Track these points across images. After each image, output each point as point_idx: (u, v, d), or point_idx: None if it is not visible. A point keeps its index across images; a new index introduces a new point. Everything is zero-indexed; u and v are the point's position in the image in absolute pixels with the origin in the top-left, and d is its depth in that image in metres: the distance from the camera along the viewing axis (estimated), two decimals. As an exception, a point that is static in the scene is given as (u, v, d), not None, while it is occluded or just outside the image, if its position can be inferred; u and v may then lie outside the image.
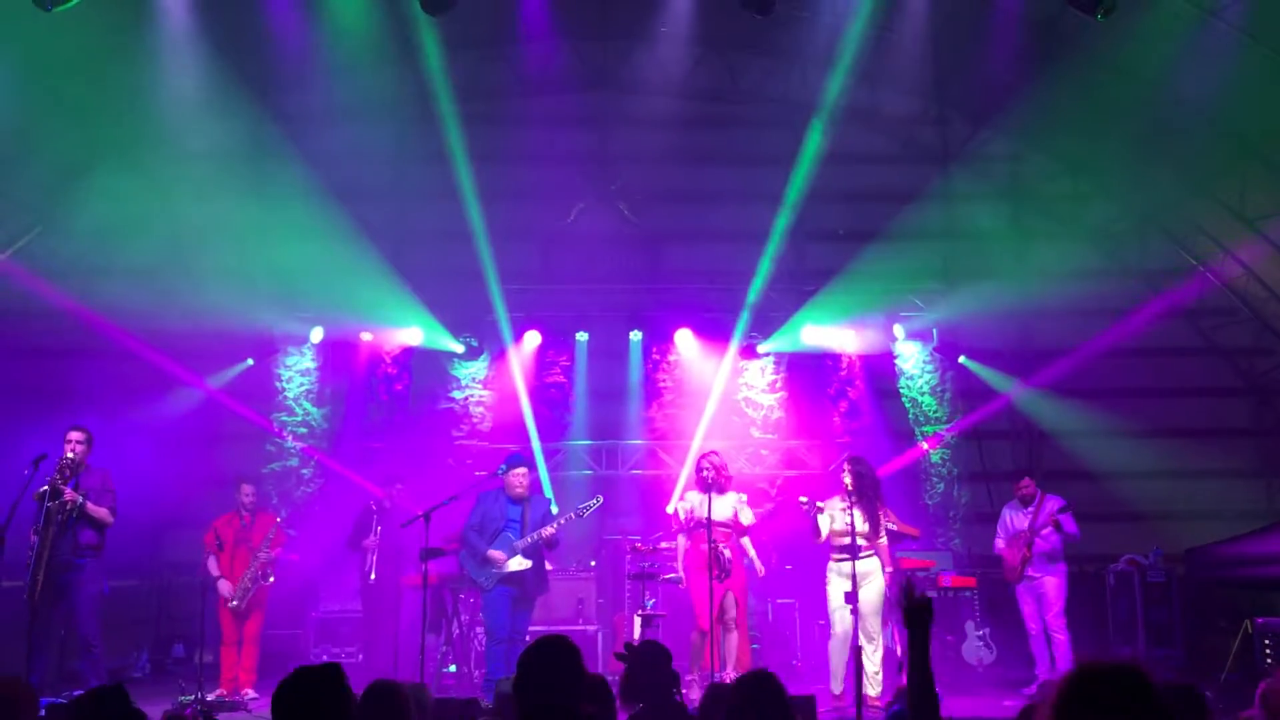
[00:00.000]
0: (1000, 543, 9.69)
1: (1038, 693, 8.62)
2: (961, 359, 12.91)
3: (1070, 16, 9.94)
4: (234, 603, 8.99)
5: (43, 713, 6.93)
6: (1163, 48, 10.12)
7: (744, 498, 8.97)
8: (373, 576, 9.86)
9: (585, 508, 8.70)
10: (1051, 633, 9.21)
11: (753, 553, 9.05)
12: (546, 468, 12.22)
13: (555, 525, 8.44)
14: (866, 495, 8.20)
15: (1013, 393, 12.65)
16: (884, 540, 8.30)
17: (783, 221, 12.51)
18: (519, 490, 8.58)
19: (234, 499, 9.53)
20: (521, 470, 8.65)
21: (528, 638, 8.29)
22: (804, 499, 8.30)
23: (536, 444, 12.22)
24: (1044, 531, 9.30)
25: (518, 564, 8.37)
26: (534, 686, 3.37)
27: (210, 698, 8.50)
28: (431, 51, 11.32)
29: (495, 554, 8.37)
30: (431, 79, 11.60)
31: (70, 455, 8.09)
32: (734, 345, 12.70)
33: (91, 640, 8.10)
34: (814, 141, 12.41)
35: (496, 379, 12.92)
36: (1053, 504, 9.39)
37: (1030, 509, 9.48)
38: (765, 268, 12.50)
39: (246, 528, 9.29)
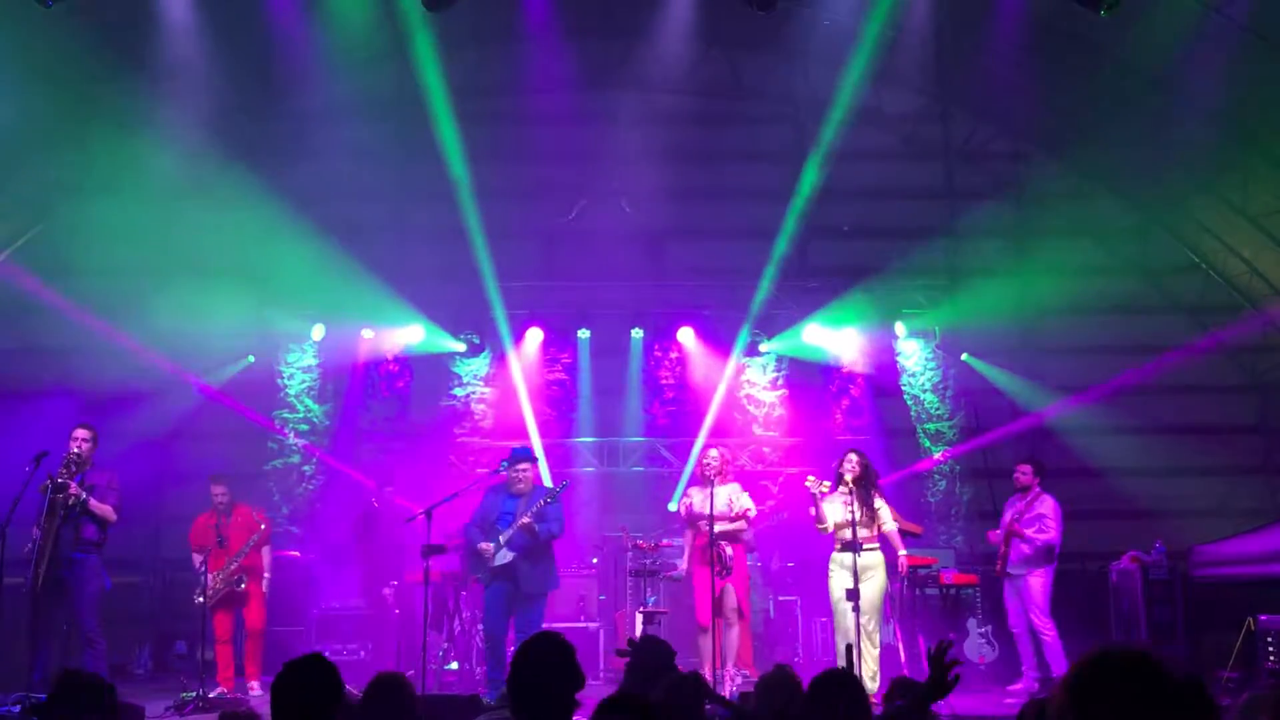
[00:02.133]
0: (992, 535, 9.54)
1: (1040, 690, 8.60)
2: (964, 356, 12.88)
3: (1074, 12, 9.92)
4: (199, 599, 8.90)
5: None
6: (1166, 44, 10.10)
7: (737, 487, 8.96)
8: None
9: (554, 492, 8.49)
10: (1039, 633, 8.98)
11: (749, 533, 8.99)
12: (548, 464, 12.21)
13: (530, 514, 8.20)
14: (865, 486, 8.17)
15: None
16: (890, 527, 8.26)
17: (790, 224, 12.39)
18: (520, 485, 8.47)
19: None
20: (524, 465, 8.53)
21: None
22: (811, 479, 8.26)
23: (537, 441, 12.20)
24: (1026, 533, 9.13)
25: (503, 556, 8.22)
26: (528, 684, 3.36)
27: (212, 694, 8.49)
28: (424, 51, 11.20)
29: (483, 546, 8.30)
30: (427, 77, 11.51)
31: (76, 451, 8.11)
32: (737, 343, 12.69)
33: (93, 635, 8.11)
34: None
35: (498, 376, 12.91)
36: (1041, 505, 9.23)
37: (1024, 501, 9.30)
38: (772, 268, 12.42)
39: (223, 527, 9.14)
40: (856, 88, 11.90)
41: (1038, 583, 9.05)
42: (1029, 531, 9.08)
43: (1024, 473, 9.41)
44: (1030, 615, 9.04)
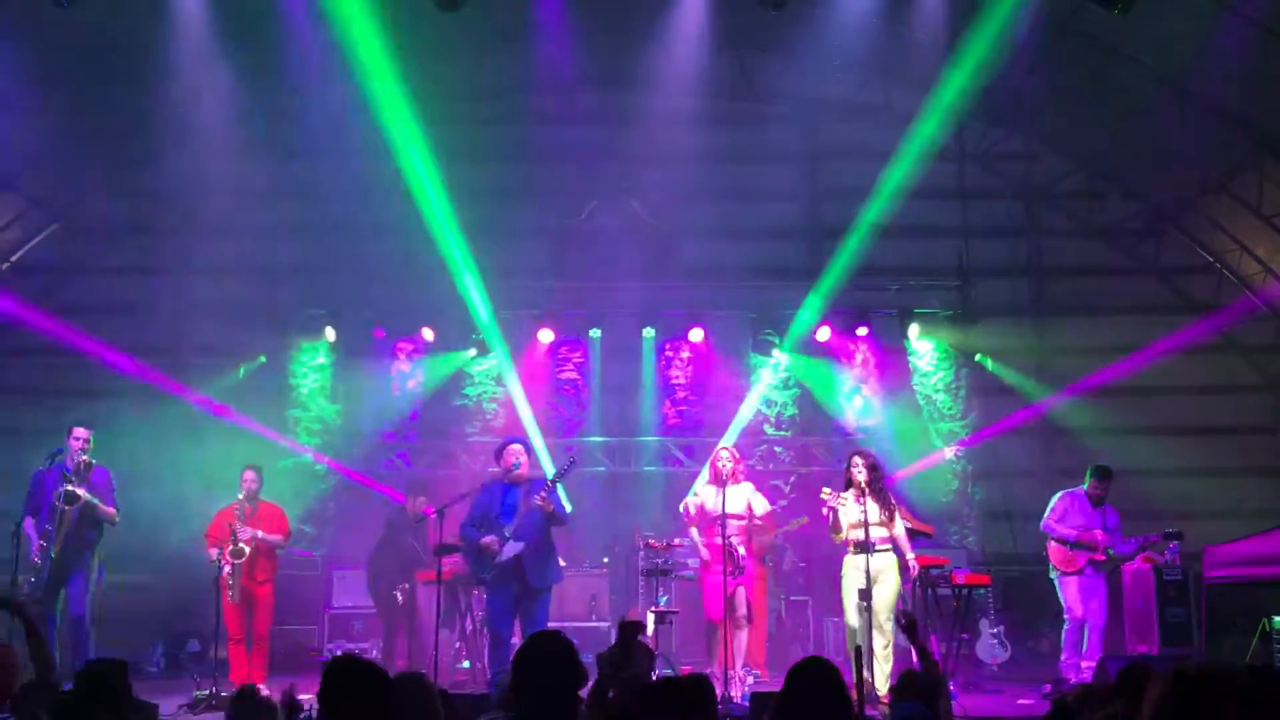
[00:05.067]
0: (1059, 529, 9.25)
1: (1052, 690, 8.55)
2: (977, 357, 12.84)
3: (1087, 12, 9.88)
4: (231, 598, 8.85)
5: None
6: (1180, 43, 10.05)
7: (751, 488, 8.94)
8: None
9: (561, 470, 8.27)
10: (1095, 629, 9.05)
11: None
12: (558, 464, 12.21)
13: (541, 494, 7.97)
14: (878, 487, 8.13)
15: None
16: (900, 531, 8.19)
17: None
18: (517, 471, 8.19)
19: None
20: (516, 447, 8.28)
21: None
22: (827, 491, 8.20)
23: (539, 441, 12.15)
24: (1122, 547, 9.26)
25: (511, 548, 7.98)
26: (531, 684, 3.37)
27: (225, 694, 8.49)
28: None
29: (487, 540, 8.01)
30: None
31: (84, 457, 8.15)
32: (751, 343, 12.69)
33: (80, 628, 8.18)
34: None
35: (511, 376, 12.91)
36: (1114, 514, 9.28)
37: (1098, 508, 9.27)
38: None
39: (246, 518, 8.96)
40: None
41: (1106, 588, 9.24)
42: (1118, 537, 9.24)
43: (1105, 489, 9.35)
44: (1098, 615, 9.08)
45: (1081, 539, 9.22)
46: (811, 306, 12.33)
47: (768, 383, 12.92)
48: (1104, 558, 9.19)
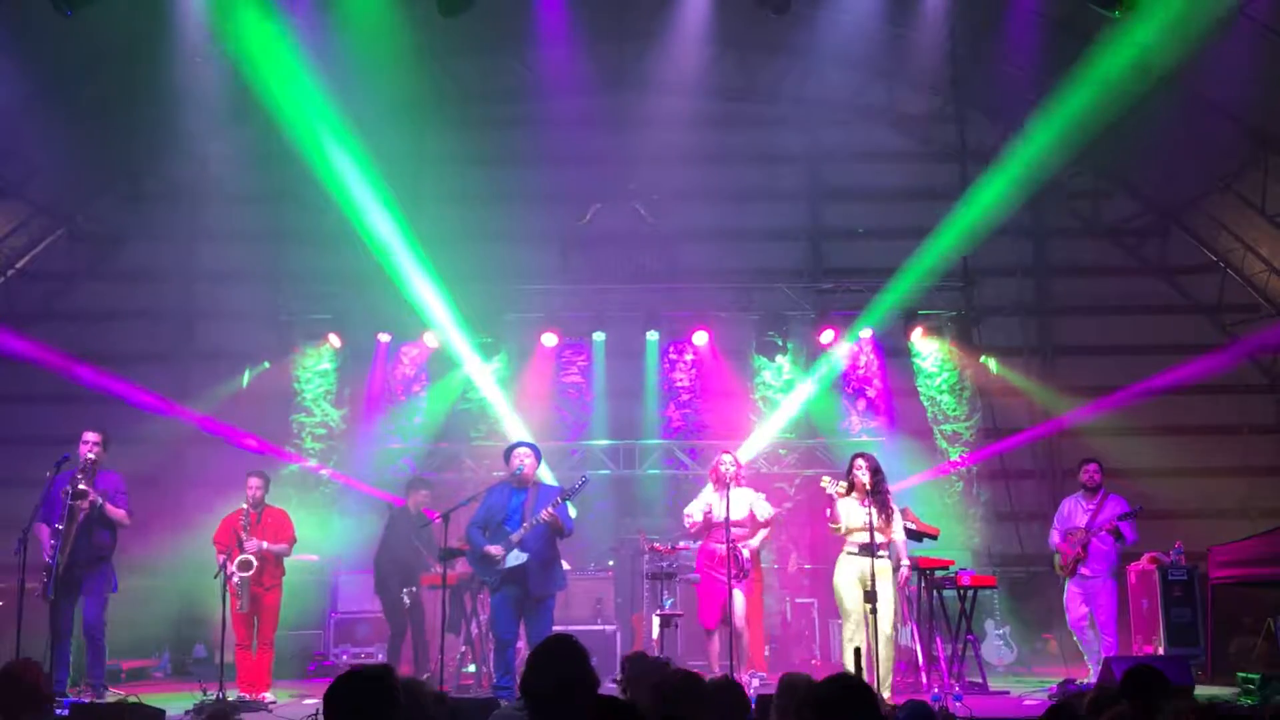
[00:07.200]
0: (1055, 536, 9.22)
1: (1058, 691, 8.54)
2: (981, 357, 12.84)
3: (1089, 12, 9.88)
4: (241, 604, 8.83)
5: (66, 711, 6.99)
6: (1184, 43, 10.04)
7: (761, 496, 8.95)
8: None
9: (572, 489, 8.25)
10: (1102, 633, 8.89)
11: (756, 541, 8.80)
12: (564, 468, 12.21)
13: (550, 509, 7.95)
14: (880, 490, 8.11)
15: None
16: (898, 536, 8.17)
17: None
18: (523, 473, 8.17)
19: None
20: (524, 450, 8.29)
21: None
22: (827, 479, 8.16)
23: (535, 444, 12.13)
24: (1102, 534, 8.90)
25: (514, 558, 7.96)
26: (544, 686, 3.37)
27: (231, 699, 8.50)
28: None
29: (491, 550, 7.99)
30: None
31: (91, 456, 8.17)
32: (754, 346, 12.70)
33: (98, 634, 8.20)
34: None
35: (515, 379, 12.92)
36: (1115, 506, 9.01)
37: (1092, 503, 9.10)
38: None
39: (252, 525, 8.90)
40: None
41: (1109, 585, 8.92)
42: (1114, 532, 8.90)
43: (1093, 472, 9.12)
44: (1099, 618, 8.87)
45: (1059, 548, 9.16)
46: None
47: (756, 379, 12.87)
48: (1086, 555, 8.92)
